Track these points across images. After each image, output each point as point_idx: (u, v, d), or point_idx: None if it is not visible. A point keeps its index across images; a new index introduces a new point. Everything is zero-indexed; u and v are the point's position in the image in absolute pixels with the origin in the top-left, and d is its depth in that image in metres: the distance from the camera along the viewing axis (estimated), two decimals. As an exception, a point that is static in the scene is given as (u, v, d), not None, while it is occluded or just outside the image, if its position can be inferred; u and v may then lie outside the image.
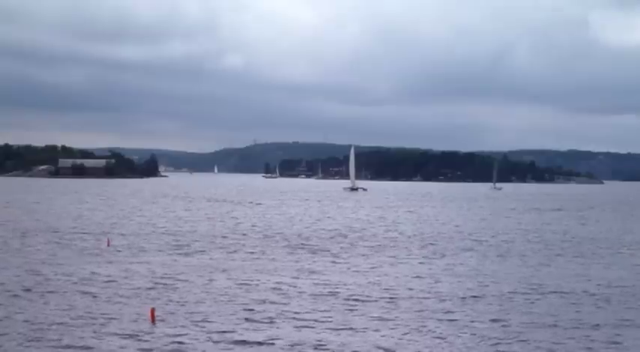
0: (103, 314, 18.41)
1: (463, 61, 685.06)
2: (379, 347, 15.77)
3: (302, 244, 36.97)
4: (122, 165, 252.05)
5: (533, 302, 21.19)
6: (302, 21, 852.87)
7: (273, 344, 15.82)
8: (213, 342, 15.96)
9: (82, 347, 15.38)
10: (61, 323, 17.34)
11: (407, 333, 17.03)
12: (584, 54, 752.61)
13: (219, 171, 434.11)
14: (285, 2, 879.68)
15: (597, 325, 18.39)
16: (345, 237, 41.77)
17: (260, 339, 16.20)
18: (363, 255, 32.56)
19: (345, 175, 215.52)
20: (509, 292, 22.82)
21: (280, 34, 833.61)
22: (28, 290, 21.68)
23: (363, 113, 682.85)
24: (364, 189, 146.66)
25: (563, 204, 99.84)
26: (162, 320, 17.68)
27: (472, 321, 18.42)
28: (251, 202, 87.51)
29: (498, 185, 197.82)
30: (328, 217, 60.82)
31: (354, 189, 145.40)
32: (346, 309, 19.65)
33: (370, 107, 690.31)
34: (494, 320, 18.58)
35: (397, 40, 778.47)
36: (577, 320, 18.86)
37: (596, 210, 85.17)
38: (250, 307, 19.66)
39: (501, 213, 72.63)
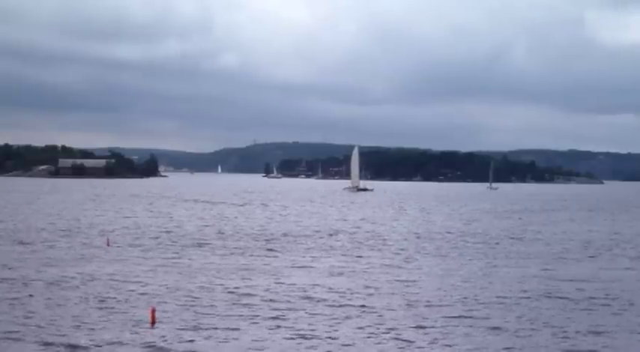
0: (104, 314, 18.67)
1: (462, 61, 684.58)
2: None
3: (306, 245, 37.16)
4: (122, 165, 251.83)
5: (526, 307, 21.36)
6: (300, 20, 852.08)
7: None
8: (215, 344, 16.17)
9: (82, 348, 15.62)
10: (61, 324, 17.59)
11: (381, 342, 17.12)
12: (580, 53, 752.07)
13: (221, 171, 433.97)
14: (284, 1, 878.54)
15: (591, 331, 18.53)
16: (345, 237, 41.98)
17: (259, 343, 16.41)
18: (360, 256, 32.77)
19: (344, 175, 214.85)
20: (497, 296, 23.02)
21: (278, 33, 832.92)
22: (28, 290, 21.92)
23: (362, 113, 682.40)
24: (370, 190, 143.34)
25: (557, 205, 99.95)
26: (163, 321, 17.89)
27: (450, 327, 18.57)
28: (256, 204, 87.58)
29: (494, 185, 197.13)
30: (343, 220, 60.93)
31: (360, 189, 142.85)
32: (345, 316, 19.80)
33: (369, 107, 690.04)
34: (487, 327, 18.75)
35: (394, 39, 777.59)
36: (569, 326, 19.02)
37: (593, 211, 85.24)
38: (251, 309, 19.88)
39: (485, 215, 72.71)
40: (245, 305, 20.32)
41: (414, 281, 25.34)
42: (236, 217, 59.04)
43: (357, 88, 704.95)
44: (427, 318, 18.96)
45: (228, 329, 17.42)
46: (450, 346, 16.25)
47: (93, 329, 17.11)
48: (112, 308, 19.54)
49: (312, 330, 17.45)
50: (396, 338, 16.82)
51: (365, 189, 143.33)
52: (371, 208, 79.70)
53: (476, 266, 29.66)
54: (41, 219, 51.42)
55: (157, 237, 39.60)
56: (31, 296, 21.06)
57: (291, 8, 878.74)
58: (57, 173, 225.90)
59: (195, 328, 17.39)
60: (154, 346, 15.79)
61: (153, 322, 17.69)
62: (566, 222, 61.93)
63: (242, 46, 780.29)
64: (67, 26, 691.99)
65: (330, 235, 43.32)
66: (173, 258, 30.85)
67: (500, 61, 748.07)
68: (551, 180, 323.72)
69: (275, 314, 19.22)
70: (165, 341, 16.18)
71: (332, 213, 67.82)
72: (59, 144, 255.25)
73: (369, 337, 16.91)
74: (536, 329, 17.91)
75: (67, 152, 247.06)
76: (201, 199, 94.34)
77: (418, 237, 42.84)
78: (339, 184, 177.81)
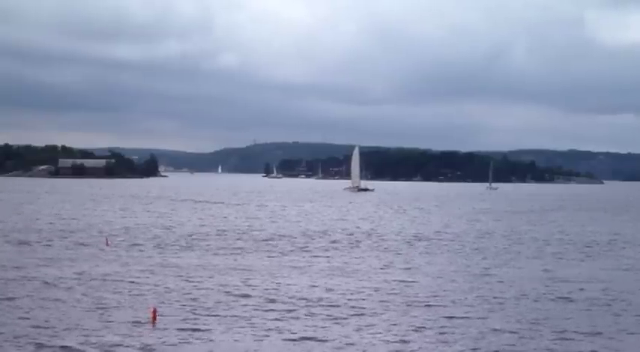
0: (104, 315, 18.68)
1: (461, 61, 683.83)
2: None
3: (305, 245, 37.15)
4: (122, 165, 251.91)
5: (524, 307, 21.35)
6: (300, 20, 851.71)
7: None
8: (215, 345, 16.18)
9: (81, 350, 15.60)
10: (59, 325, 17.58)
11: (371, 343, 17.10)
12: (580, 53, 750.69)
13: (221, 171, 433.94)
14: (284, 1, 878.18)
15: (593, 332, 18.54)
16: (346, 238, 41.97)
17: (259, 344, 16.43)
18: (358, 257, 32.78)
19: (344, 175, 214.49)
20: (496, 297, 23.01)
21: (278, 33, 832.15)
22: (26, 291, 21.90)
23: (362, 113, 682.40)
24: (371, 190, 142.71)
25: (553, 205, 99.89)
26: (163, 322, 17.88)
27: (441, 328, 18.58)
28: (256, 204, 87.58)
29: (494, 185, 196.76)
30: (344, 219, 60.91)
31: (361, 189, 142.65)
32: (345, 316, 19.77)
33: (369, 107, 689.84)
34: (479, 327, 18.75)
35: (394, 39, 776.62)
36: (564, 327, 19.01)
37: (593, 211, 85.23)
38: (251, 309, 19.90)
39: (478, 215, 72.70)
40: (244, 305, 20.33)
41: (413, 281, 25.35)
42: (235, 217, 59.02)
43: (357, 87, 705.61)
44: (426, 319, 18.97)
45: (227, 330, 17.42)
46: (449, 347, 16.25)
47: (93, 329, 17.09)
48: (112, 308, 19.54)
49: (311, 331, 17.45)
50: (395, 339, 16.82)
51: (366, 189, 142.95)
52: (371, 208, 79.69)
53: (475, 267, 29.67)
54: (41, 219, 51.39)
55: (156, 237, 39.59)
56: (28, 296, 21.04)
57: (291, 8, 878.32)
58: (57, 173, 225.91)
59: (195, 329, 17.39)
60: (155, 346, 15.79)
61: (154, 322, 17.70)
62: (565, 222, 61.94)
63: (242, 46, 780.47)
64: (66, 26, 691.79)
65: (330, 235, 43.31)
66: (173, 258, 30.84)
67: (500, 61, 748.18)
68: (551, 180, 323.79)
69: (274, 315, 19.22)
70: (166, 341, 16.18)
71: (332, 214, 67.81)
72: (59, 144, 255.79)
73: (367, 338, 16.91)
74: (536, 330, 17.90)
75: (67, 152, 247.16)
76: (200, 199, 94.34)
77: (418, 238, 42.83)
78: (339, 184, 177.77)
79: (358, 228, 49.81)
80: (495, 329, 17.85)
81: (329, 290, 23.10)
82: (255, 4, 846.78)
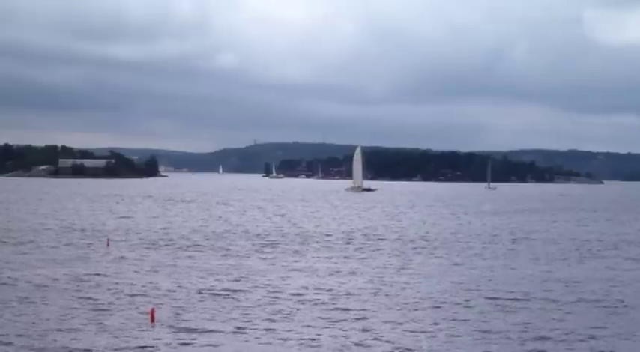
0: (102, 315, 18.66)
1: (462, 60, 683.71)
2: None
3: (304, 246, 37.14)
4: (122, 165, 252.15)
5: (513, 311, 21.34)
6: (300, 20, 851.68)
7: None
8: (213, 346, 16.17)
9: (82, 348, 15.58)
10: (57, 326, 17.53)
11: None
12: (580, 53, 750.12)
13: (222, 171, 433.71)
14: (284, 1, 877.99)
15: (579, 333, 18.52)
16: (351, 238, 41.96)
17: (257, 346, 16.43)
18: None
19: (345, 175, 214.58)
20: (495, 297, 23.02)
21: (278, 33, 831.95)
22: (24, 292, 21.87)
23: (362, 113, 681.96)
24: (373, 190, 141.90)
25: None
26: (161, 322, 17.88)
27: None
28: (256, 205, 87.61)
29: (493, 185, 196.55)
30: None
31: (365, 189, 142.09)
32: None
33: (369, 107, 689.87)
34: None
35: (394, 39, 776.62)
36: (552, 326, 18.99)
37: (595, 212, 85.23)
38: (249, 311, 19.89)
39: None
40: (242, 306, 20.31)
41: (411, 282, 25.32)
42: (235, 218, 58.99)
43: (357, 87, 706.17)
44: (426, 320, 18.95)
45: (225, 330, 17.40)
46: (449, 348, 16.23)
47: (90, 331, 17.09)
48: (110, 309, 19.52)
49: (310, 333, 17.43)
50: (393, 341, 16.81)
51: (369, 189, 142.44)
52: (372, 208, 79.66)
53: (474, 267, 29.65)
54: (39, 220, 51.38)
55: (155, 238, 39.56)
56: (23, 297, 20.98)
57: (291, 8, 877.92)
58: (57, 173, 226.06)
59: (193, 329, 17.38)
60: (153, 347, 15.78)
61: (152, 323, 17.70)
62: (564, 222, 61.93)
63: (242, 46, 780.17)
64: (66, 26, 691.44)
65: (331, 235, 43.29)
66: (172, 258, 30.83)
67: (500, 61, 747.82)
68: (550, 180, 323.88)
69: (271, 315, 19.21)
70: (165, 342, 16.17)
71: (332, 214, 67.82)
72: (59, 144, 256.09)
73: (366, 340, 16.90)
74: (535, 331, 17.90)
75: (67, 152, 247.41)
76: (200, 200, 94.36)
77: (417, 238, 42.81)
78: (339, 184, 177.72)
79: (359, 228, 49.81)
80: (495, 331, 17.83)
81: (328, 291, 23.09)
82: (255, 4, 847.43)
